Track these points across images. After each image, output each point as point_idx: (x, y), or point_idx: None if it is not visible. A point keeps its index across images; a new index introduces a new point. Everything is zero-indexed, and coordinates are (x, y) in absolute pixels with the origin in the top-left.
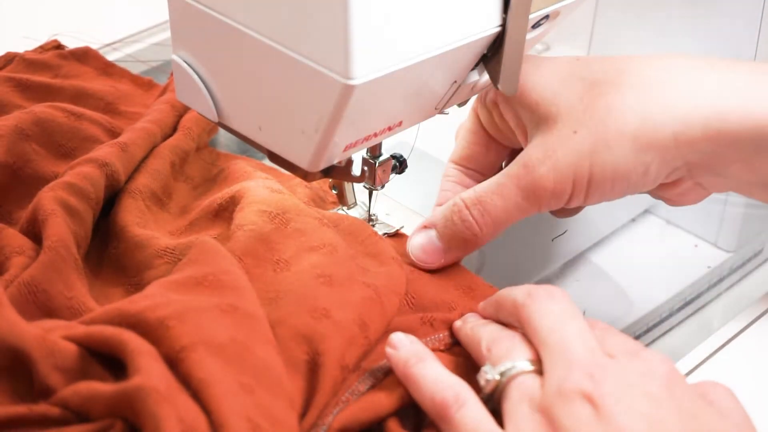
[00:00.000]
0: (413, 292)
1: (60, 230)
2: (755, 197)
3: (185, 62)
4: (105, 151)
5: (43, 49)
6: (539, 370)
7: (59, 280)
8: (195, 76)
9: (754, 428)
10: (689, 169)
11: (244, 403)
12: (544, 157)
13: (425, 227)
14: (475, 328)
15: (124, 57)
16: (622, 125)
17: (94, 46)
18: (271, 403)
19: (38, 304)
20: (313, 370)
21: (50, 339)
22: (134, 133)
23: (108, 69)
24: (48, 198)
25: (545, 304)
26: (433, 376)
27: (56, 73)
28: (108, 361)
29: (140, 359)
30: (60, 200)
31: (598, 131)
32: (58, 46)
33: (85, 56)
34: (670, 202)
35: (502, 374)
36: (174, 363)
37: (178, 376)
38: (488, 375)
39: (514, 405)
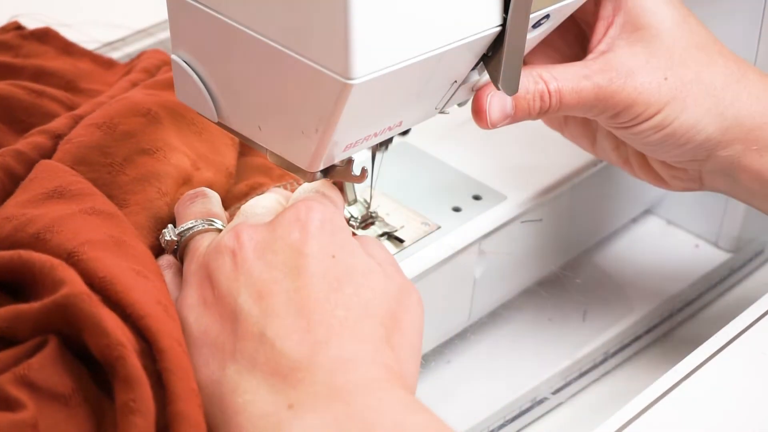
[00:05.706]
0: None
1: None
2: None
3: (184, 62)
4: (59, 123)
5: (3, 30)
6: (218, 231)
7: None
8: (194, 76)
9: (398, 271)
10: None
11: (148, 289)
12: (630, 72)
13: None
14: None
15: (122, 56)
16: (702, 98)
17: (92, 45)
18: (161, 286)
19: None
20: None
21: None
22: (90, 107)
23: (68, 48)
24: None
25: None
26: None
27: (17, 53)
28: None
29: (56, 272)
30: (4, 166)
31: (683, 89)
32: (18, 26)
33: (45, 36)
34: (662, 183)
35: (180, 234)
36: None
37: None
38: (167, 236)
39: (188, 262)
